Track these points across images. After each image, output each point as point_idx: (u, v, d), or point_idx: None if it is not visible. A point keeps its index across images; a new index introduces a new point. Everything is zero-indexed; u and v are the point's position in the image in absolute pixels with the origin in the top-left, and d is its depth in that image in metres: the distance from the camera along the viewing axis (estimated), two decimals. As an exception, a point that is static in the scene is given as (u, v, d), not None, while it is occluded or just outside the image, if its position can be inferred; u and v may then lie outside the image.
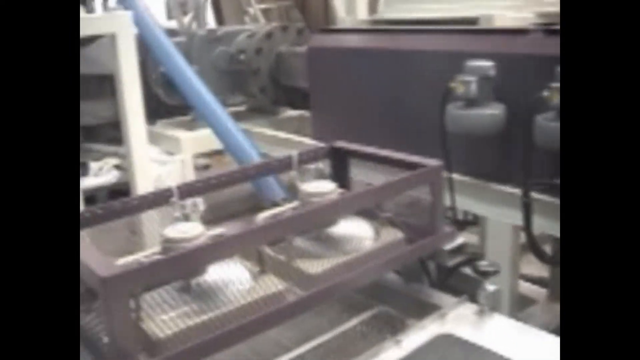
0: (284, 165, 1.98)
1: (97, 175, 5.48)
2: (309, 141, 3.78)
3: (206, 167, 5.42)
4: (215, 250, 1.41)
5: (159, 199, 1.73)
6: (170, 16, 7.27)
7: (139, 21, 3.24)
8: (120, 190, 5.50)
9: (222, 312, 1.47)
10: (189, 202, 1.74)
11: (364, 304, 1.98)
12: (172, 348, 1.37)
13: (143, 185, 2.79)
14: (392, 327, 1.87)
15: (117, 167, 5.74)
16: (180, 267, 1.37)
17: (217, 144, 3.91)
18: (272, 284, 1.57)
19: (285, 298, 1.56)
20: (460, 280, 1.94)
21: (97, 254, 1.34)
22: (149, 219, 1.81)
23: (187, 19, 5.80)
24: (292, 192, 2.99)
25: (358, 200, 1.69)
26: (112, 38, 2.75)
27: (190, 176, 4.12)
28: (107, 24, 2.78)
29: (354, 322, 1.91)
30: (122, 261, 1.52)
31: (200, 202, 1.75)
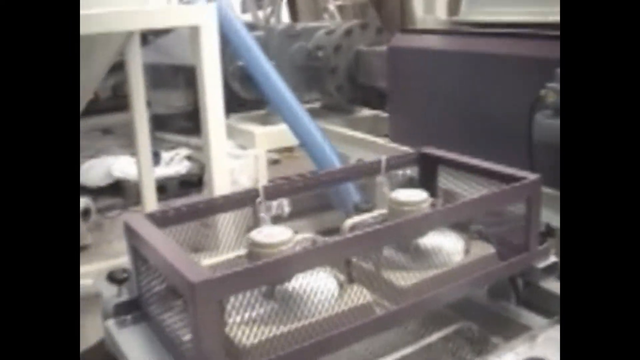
0: (372, 169, 1.91)
1: (168, 165, 5.52)
2: (383, 142, 3.70)
3: (275, 162, 5.39)
4: (308, 260, 1.35)
5: (245, 198, 1.68)
6: (244, 9, 7.28)
7: (220, 13, 3.22)
8: (189, 181, 5.53)
9: (308, 322, 1.41)
10: (274, 203, 1.69)
11: (446, 317, 1.90)
12: (257, 357, 1.32)
13: (219, 179, 2.75)
14: (477, 345, 1.79)
15: (188, 158, 5.77)
16: (271, 275, 1.32)
17: (291, 140, 3.86)
18: (360, 295, 1.50)
19: (373, 311, 1.49)
20: (551, 300, 1.84)
21: (186, 256, 1.29)
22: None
23: (263, 13, 5.80)
24: (365, 194, 2.93)
25: (454, 213, 1.61)
26: (196, 30, 2.71)
27: (263, 171, 4.08)
28: (192, 16, 2.75)
29: (436, 336, 1.83)
30: (207, 262, 1.48)
31: (286, 204, 1.70)
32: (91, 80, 2.97)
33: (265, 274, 1.29)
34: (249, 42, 3.68)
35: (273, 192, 1.70)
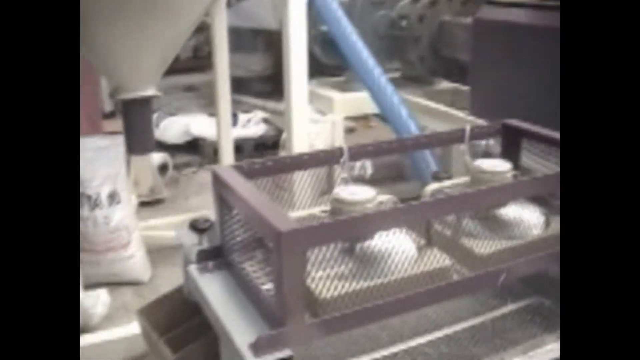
0: (455, 138, 1.91)
1: (245, 126, 5.59)
2: (463, 115, 3.67)
3: (351, 130, 5.40)
4: (390, 219, 1.37)
5: (330, 157, 1.70)
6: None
7: (308, -23, 3.24)
8: (265, 144, 5.60)
9: (385, 281, 1.44)
10: (358, 164, 1.71)
11: (519, 290, 1.90)
12: (334, 310, 1.35)
13: (298, 143, 2.79)
14: (547, 321, 1.78)
15: (265, 120, 5.83)
16: (354, 230, 1.34)
17: (369, 108, 3.87)
18: (438, 259, 1.52)
19: (450, 275, 1.50)
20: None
21: (274, 206, 1.33)
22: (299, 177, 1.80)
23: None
24: (442, 164, 2.92)
25: (537, 186, 1.60)
26: (285, -7, 2.73)
27: (340, 138, 4.11)
28: (281, -21, 2.77)
29: (507, 308, 1.83)
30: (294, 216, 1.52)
31: (369, 166, 1.72)
32: (178, 39, 3.02)
33: (349, 228, 1.32)
34: (334, 7, 3.69)
35: (357, 152, 1.72)
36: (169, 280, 3.49)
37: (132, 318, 3.17)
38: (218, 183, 1.54)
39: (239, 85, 6.40)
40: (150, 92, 3.01)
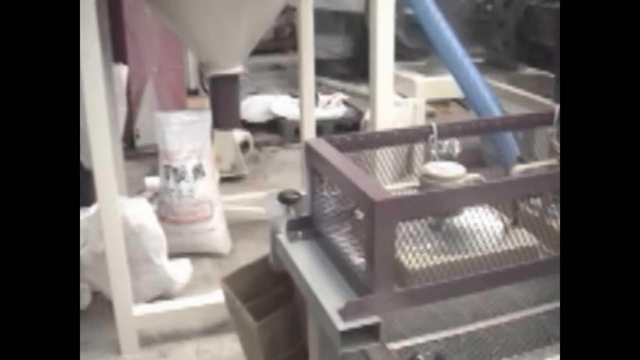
0: (544, 120, 1.90)
1: (325, 108, 5.65)
2: (549, 103, 3.62)
3: (430, 115, 5.39)
4: (479, 195, 1.39)
5: (418, 135, 1.73)
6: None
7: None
8: (344, 125, 5.65)
9: (472, 256, 1.46)
10: (446, 142, 1.73)
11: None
12: (421, 281, 1.39)
13: (382, 126, 2.81)
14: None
15: (345, 102, 5.88)
16: (444, 203, 1.37)
17: (451, 92, 3.86)
18: (525, 238, 1.53)
19: (537, 254, 1.51)
20: None
21: (367, 177, 1.37)
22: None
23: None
24: (526, 149, 2.90)
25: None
26: (373, -25, 2.75)
27: (421, 121, 4.12)
28: (371, -41, 2.79)
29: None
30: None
31: (457, 144, 1.74)
32: (267, 18, 3.09)
33: (440, 202, 1.35)
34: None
35: (446, 130, 1.74)
36: (248, 253, 3.59)
37: (211, 288, 3.28)
38: (311, 154, 1.58)
39: (319, 67, 6.45)
40: (238, 69, 3.09)
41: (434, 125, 1.73)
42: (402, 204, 1.29)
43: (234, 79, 3.11)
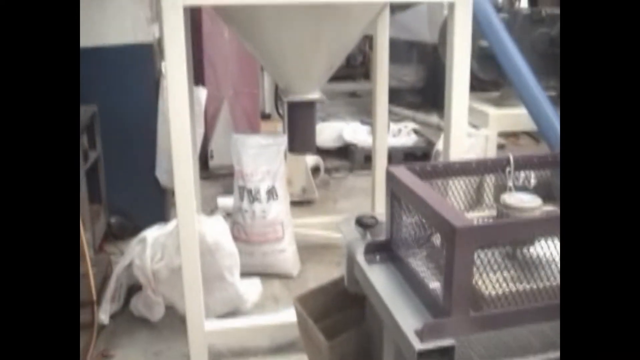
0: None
1: (396, 136, 5.71)
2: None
3: (501, 146, 5.40)
4: (556, 226, 1.43)
5: (496, 166, 1.78)
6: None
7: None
8: (414, 154, 5.69)
9: (547, 285, 1.50)
10: (522, 174, 1.77)
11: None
12: (497, 307, 1.43)
13: (455, 156, 2.85)
14: None
15: (415, 131, 5.93)
16: (522, 232, 1.42)
17: (524, 124, 3.87)
18: (599, 271, 1.56)
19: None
20: None
21: (448, 204, 1.43)
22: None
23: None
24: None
25: None
26: (451, 6, 2.81)
27: (492, 153, 4.14)
28: (448, -7, 2.86)
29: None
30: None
31: (532, 176, 1.78)
32: (346, 46, 3.19)
33: (518, 231, 1.40)
34: (497, 24, 3.73)
35: (522, 163, 1.79)
36: (316, 275, 3.67)
37: (280, 307, 3.36)
38: (392, 181, 1.65)
39: (390, 95, 6.54)
40: (316, 95, 3.19)
41: (511, 157, 1.78)
42: (482, 232, 1.34)
43: (311, 105, 3.21)
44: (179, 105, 2.54)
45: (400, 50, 6.83)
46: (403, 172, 1.64)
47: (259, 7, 2.69)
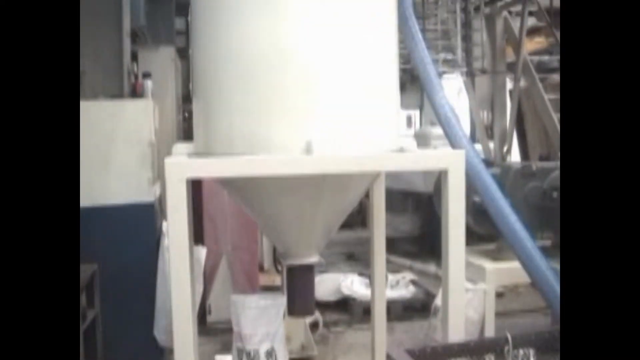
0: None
1: (394, 288, 5.72)
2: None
3: (500, 295, 5.41)
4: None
5: (494, 345, 1.80)
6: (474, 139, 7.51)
7: (466, 158, 3.40)
8: (413, 306, 5.67)
9: None
10: (521, 351, 1.80)
11: None
12: None
13: (455, 314, 2.85)
14: None
15: (413, 282, 5.94)
16: None
17: (521, 277, 3.88)
18: None
19: None
20: None
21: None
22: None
23: (492, 144, 5.92)
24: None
25: None
26: (445, 173, 2.92)
27: (491, 306, 4.13)
28: (442, 160, 2.96)
29: None
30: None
31: (532, 354, 1.80)
32: (343, 213, 3.26)
33: None
34: (489, 182, 3.82)
35: (521, 341, 1.81)
36: None
37: None
38: (392, 367, 1.67)
39: (387, 244, 6.62)
40: (314, 259, 3.23)
41: (509, 336, 1.80)
42: None
43: (309, 268, 3.24)
44: (180, 268, 2.57)
45: (396, 200, 6.96)
46: (403, 356, 1.66)
47: (258, 178, 2.78)
